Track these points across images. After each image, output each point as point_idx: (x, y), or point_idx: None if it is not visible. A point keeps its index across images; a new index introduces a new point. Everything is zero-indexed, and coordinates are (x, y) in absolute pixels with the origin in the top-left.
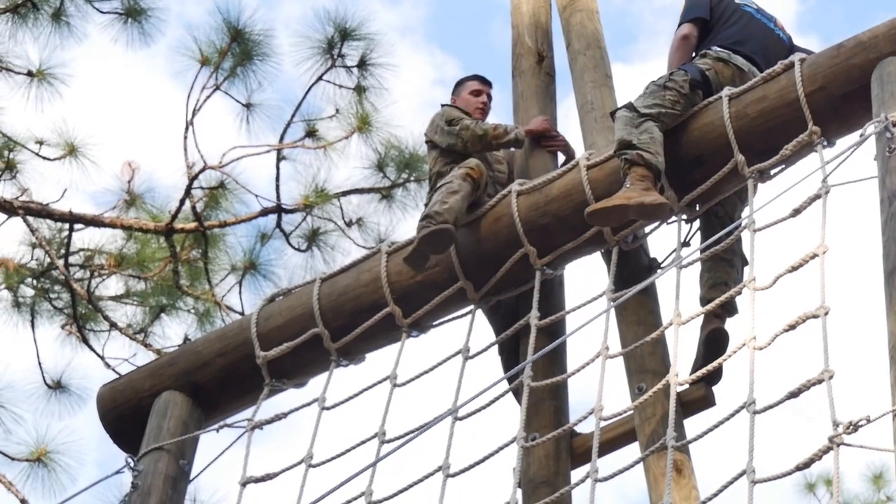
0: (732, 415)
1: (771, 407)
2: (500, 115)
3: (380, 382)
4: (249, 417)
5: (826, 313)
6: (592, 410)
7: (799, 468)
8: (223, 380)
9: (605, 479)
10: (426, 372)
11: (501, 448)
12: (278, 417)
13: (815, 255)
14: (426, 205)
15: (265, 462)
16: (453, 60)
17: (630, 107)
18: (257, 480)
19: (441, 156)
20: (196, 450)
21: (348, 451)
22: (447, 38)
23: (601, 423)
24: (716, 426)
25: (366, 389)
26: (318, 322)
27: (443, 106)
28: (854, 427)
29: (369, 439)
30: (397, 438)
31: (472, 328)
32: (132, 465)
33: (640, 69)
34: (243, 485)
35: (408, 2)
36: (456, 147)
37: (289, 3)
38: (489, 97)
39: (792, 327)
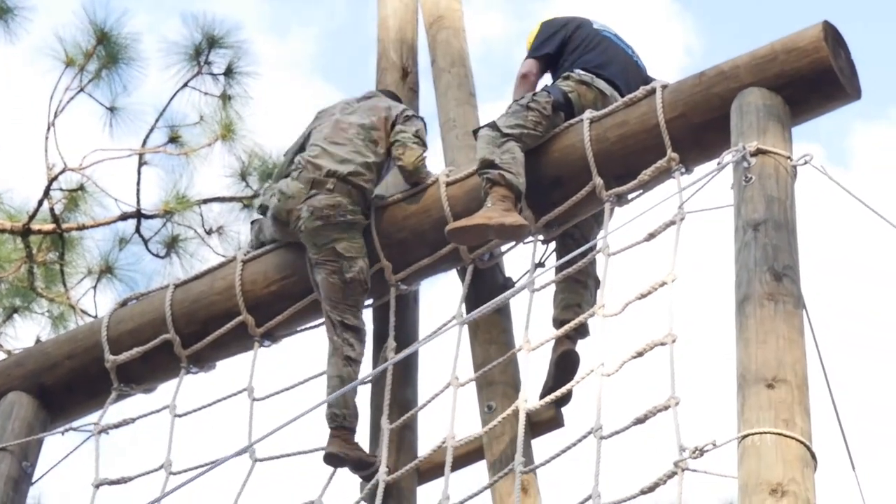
0: (579, 440)
1: (618, 433)
2: None
3: (237, 394)
4: (96, 421)
5: (673, 341)
6: (444, 440)
7: (643, 492)
8: (71, 382)
9: None
10: (288, 388)
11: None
12: (125, 422)
13: (664, 283)
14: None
15: (109, 467)
16: (337, 92)
17: (493, 126)
18: (112, 483)
19: (373, 163)
20: (40, 452)
21: (215, 464)
22: (332, 71)
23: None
24: (563, 451)
25: (221, 400)
26: (170, 328)
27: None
28: (700, 452)
29: (239, 453)
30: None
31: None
32: None
33: None
34: (97, 486)
35: (296, 37)
36: (397, 159)
37: (153, 3)
38: None
39: (640, 354)
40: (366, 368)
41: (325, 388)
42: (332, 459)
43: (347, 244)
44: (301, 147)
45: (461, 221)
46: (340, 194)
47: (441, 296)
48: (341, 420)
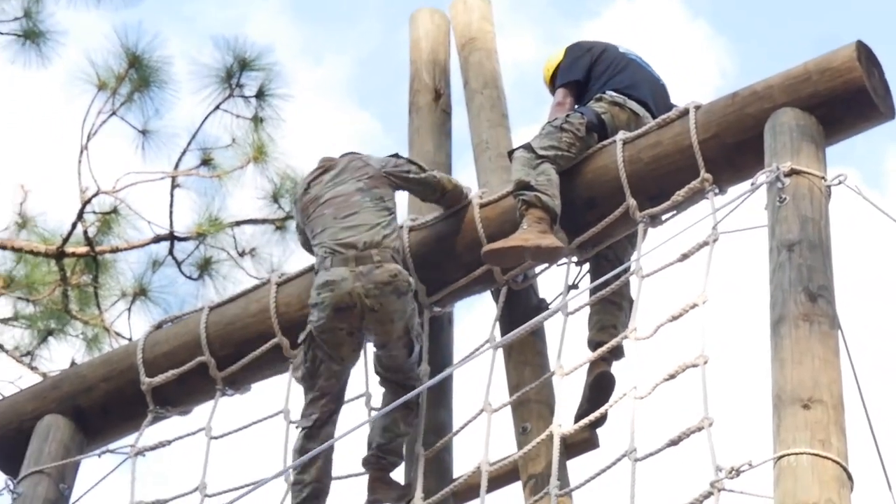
0: (614, 463)
1: (652, 454)
2: (396, 145)
3: (273, 416)
4: (132, 444)
5: (705, 363)
6: (479, 466)
7: None
8: (107, 405)
9: None
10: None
11: None
12: (162, 444)
13: (695, 305)
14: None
15: (144, 490)
16: (371, 118)
17: (528, 147)
18: None
19: (392, 218)
20: (77, 474)
21: (252, 487)
22: (366, 96)
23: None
24: (598, 474)
25: (258, 422)
26: (205, 350)
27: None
28: (736, 472)
29: (275, 476)
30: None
31: (367, 370)
32: (11, 487)
33: None
34: None
35: (329, 63)
36: (423, 196)
37: (187, 31)
38: None
39: (672, 377)
40: None
41: (375, 431)
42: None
43: (413, 320)
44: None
45: (498, 243)
46: (389, 262)
47: (477, 319)
48: (385, 465)
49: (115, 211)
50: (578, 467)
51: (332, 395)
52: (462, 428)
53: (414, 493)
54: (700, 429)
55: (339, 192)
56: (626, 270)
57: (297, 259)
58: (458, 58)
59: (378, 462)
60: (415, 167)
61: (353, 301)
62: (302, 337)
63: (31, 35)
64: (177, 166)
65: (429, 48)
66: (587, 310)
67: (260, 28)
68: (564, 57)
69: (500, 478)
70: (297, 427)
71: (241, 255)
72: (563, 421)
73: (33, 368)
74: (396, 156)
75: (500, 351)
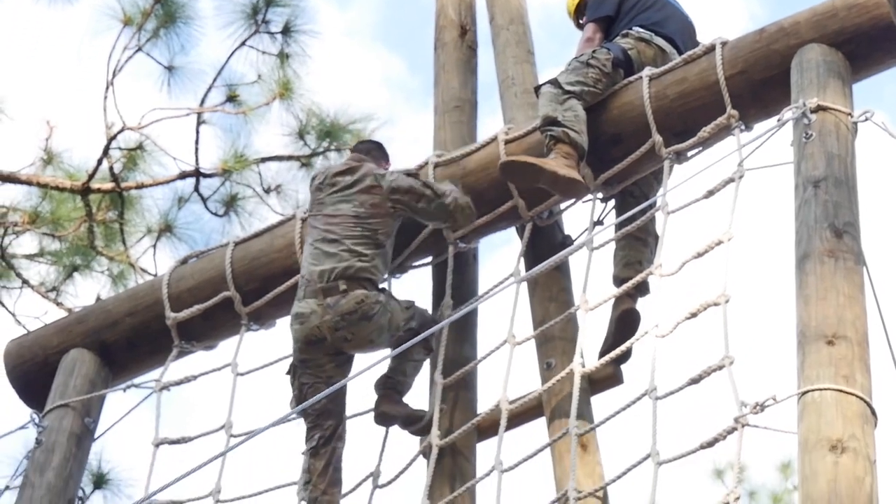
0: (635, 401)
1: (672, 393)
2: (423, 86)
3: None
4: (157, 378)
5: (727, 301)
6: (498, 403)
7: (703, 447)
8: (132, 339)
9: (511, 468)
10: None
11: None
12: (187, 379)
13: (720, 242)
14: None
15: (169, 425)
16: (398, 59)
17: (555, 83)
18: (172, 442)
19: (375, 253)
20: (102, 408)
21: (274, 424)
22: (393, 38)
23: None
24: (618, 412)
25: (283, 359)
26: (230, 285)
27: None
28: (760, 408)
29: (295, 412)
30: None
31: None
32: (37, 421)
33: None
34: (157, 446)
35: (357, 5)
36: (433, 221)
37: None
38: None
39: (693, 315)
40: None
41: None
42: (383, 418)
43: (397, 321)
44: None
45: (517, 156)
46: (354, 288)
47: (502, 259)
48: (393, 384)
49: (140, 147)
50: (604, 404)
51: (327, 413)
52: (485, 357)
53: (430, 421)
54: (721, 367)
55: (339, 210)
56: (652, 207)
57: None
58: None
59: (387, 381)
60: (429, 192)
61: (322, 334)
62: (287, 369)
63: None
64: (202, 103)
65: None
66: (612, 247)
67: None
68: None
69: (525, 413)
70: (303, 453)
71: (267, 191)
72: (586, 356)
73: (59, 304)
74: (415, 176)
75: (525, 288)
